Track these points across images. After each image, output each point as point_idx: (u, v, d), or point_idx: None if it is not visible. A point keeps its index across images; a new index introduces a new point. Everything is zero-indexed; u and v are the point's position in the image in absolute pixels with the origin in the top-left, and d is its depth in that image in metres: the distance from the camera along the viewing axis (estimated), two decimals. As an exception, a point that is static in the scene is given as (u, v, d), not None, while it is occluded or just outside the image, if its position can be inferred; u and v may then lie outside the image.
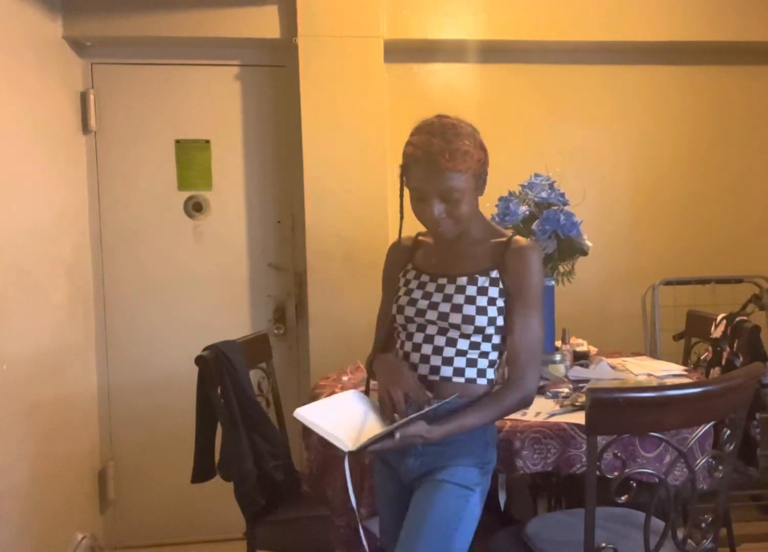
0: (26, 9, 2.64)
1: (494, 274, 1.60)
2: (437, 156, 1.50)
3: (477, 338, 1.60)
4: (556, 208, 2.28)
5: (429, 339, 1.62)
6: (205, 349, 2.21)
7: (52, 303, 2.74)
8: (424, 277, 1.68)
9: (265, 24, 3.01)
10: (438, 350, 1.61)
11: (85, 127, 3.06)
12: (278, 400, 2.57)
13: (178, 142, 3.14)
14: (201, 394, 2.20)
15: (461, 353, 1.61)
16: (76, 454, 2.90)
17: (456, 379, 1.60)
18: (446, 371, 1.60)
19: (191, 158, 3.16)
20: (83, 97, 3.05)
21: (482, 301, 1.59)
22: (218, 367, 2.16)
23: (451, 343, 1.60)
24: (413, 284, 1.69)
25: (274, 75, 3.18)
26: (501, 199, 2.33)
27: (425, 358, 1.62)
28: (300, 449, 2.86)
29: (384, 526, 1.74)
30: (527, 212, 2.29)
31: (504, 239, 1.63)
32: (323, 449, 2.02)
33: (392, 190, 3.06)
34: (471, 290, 1.60)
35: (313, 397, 2.17)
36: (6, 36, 2.48)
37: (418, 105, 3.12)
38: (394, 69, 3.15)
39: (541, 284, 1.60)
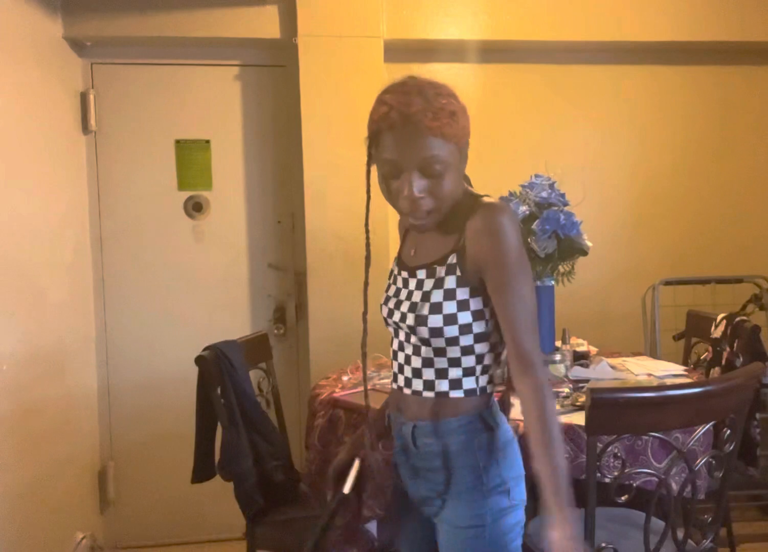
0: (26, 9, 2.64)
1: (452, 259, 1.30)
2: (418, 115, 1.20)
3: (439, 343, 1.30)
4: (556, 208, 2.28)
5: (401, 345, 1.39)
6: (205, 349, 2.21)
7: (52, 303, 2.74)
8: (395, 269, 1.46)
9: (265, 24, 3.01)
10: (408, 359, 1.37)
11: (85, 127, 3.06)
12: (278, 400, 2.57)
13: (178, 142, 3.14)
14: (201, 394, 2.20)
15: (427, 362, 1.33)
16: (76, 454, 2.90)
17: (426, 394, 1.34)
18: (417, 384, 1.35)
19: (191, 158, 3.16)
20: (83, 97, 3.05)
21: (437, 295, 1.29)
22: (218, 367, 2.16)
23: (417, 350, 1.34)
24: (391, 278, 1.47)
25: (274, 75, 3.18)
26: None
27: (400, 368, 1.39)
28: (300, 449, 2.87)
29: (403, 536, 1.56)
30: (527, 212, 2.29)
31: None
32: (323, 449, 2.02)
33: (392, 190, 3.08)
34: (428, 285, 1.32)
35: (313, 397, 2.17)
36: (6, 36, 2.48)
37: (418, 105, 3.12)
38: (394, 69, 3.14)
39: (516, 250, 1.24)
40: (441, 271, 1.31)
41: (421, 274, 1.34)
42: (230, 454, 2.13)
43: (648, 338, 3.32)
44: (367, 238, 1.50)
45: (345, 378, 2.32)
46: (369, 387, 2.15)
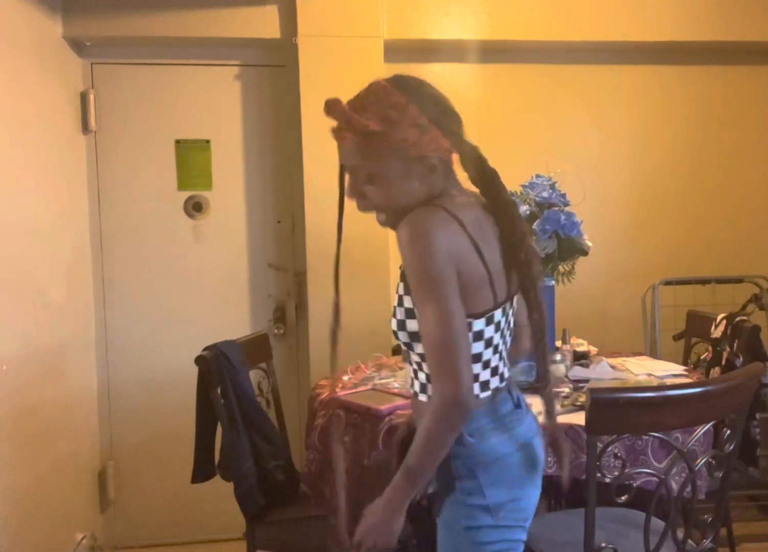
0: (26, 9, 2.64)
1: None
2: (337, 130, 1.33)
3: (405, 347, 1.37)
4: (557, 208, 2.28)
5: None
6: (205, 349, 2.21)
7: (52, 303, 2.74)
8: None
9: (265, 24, 3.01)
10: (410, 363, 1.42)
11: (85, 127, 3.06)
12: (278, 400, 2.57)
13: (178, 142, 3.14)
14: (201, 394, 2.20)
15: (414, 366, 1.39)
16: (76, 454, 2.90)
17: (420, 397, 1.39)
18: (415, 386, 1.41)
19: (191, 158, 3.16)
20: (83, 97, 3.05)
21: (396, 300, 1.35)
22: (218, 367, 2.16)
23: (406, 355, 1.40)
24: None
25: (274, 75, 3.18)
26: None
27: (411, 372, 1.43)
28: (300, 449, 2.86)
29: None
30: (528, 212, 2.29)
31: None
32: (323, 449, 2.02)
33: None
34: (401, 289, 1.34)
35: (313, 397, 2.17)
36: (6, 36, 2.48)
37: (418, 105, 3.12)
38: (394, 69, 3.10)
39: (415, 267, 1.23)
40: (402, 276, 1.34)
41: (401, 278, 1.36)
42: (230, 454, 2.13)
43: (648, 338, 3.32)
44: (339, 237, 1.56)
45: (345, 378, 2.32)
46: (369, 387, 2.16)
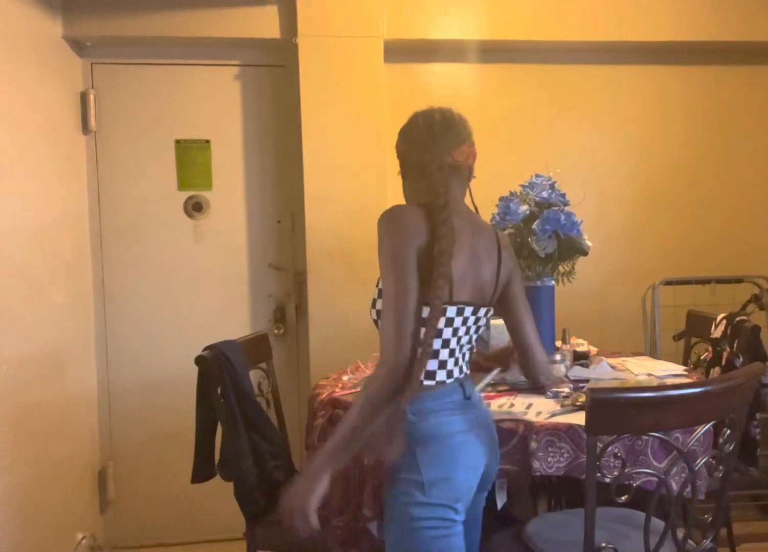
0: (26, 9, 2.64)
1: None
2: None
3: (375, 324, 1.55)
4: (556, 208, 2.28)
5: None
6: (205, 349, 2.20)
7: (52, 302, 2.74)
8: None
9: (265, 24, 3.01)
10: None
11: (85, 127, 3.06)
12: (278, 400, 2.57)
13: (178, 142, 3.14)
14: (201, 394, 2.19)
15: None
16: (76, 454, 2.90)
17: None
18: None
19: (191, 158, 3.16)
20: (83, 97, 3.05)
21: (376, 292, 1.55)
22: (218, 367, 2.16)
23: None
24: None
25: (274, 75, 3.18)
26: (501, 198, 2.33)
27: None
28: (300, 449, 2.86)
29: None
30: (527, 212, 2.29)
31: None
32: (323, 449, 2.02)
33: (392, 190, 3.08)
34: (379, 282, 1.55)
35: (313, 397, 2.17)
36: (6, 36, 2.48)
37: (417, 105, 3.09)
38: (394, 69, 3.15)
39: (382, 245, 1.46)
40: None
41: None
42: (230, 454, 2.13)
43: (648, 338, 3.32)
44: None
45: (345, 378, 2.32)
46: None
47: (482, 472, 1.54)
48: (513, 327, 1.68)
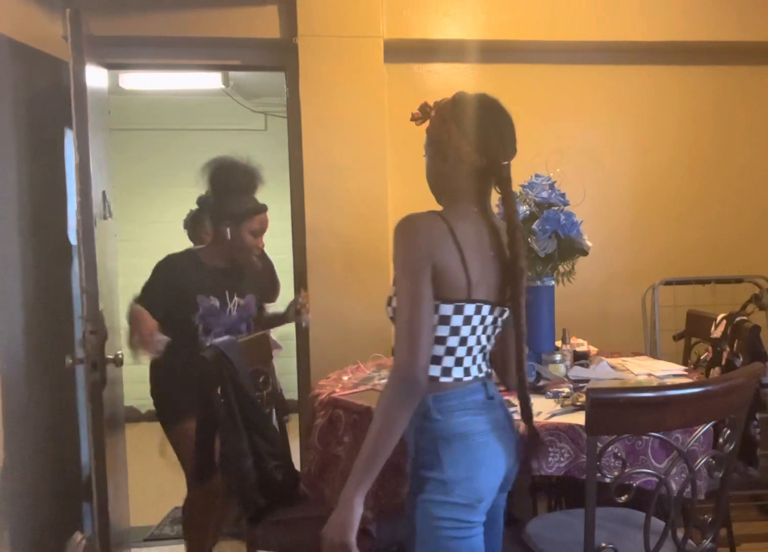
0: (26, 8, 2.64)
1: None
2: None
3: (391, 320, 1.52)
4: (556, 208, 2.28)
5: None
6: (205, 349, 2.20)
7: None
8: None
9: (265, 24, 3.01)
10: None
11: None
12: (278, 401, 2.57)
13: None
14: (201, 394, 2.19)
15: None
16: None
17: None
18: None
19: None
20: (83, 97, 3.04)
21: (392, 290, 1.54)
22: (218, 367, 2.16)
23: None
24: None
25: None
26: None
27: None
28: (300, 449, 2.86)
29: None
30: (528, 212, 2.29)
31: None
32: (323, 449, 2.02)
33: (392, 190, 3.08)
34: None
35: (313, 397, 2.17)
36: (6, 36, 2.48)
37: (417, 105, 3.11)
38: (394, 69, 3.15)
39: (399, 255, 1.45)
40: None
41: None
42: (230, 455, 2.13)
43: (648, 338, 3.32)
44: None
45: (345, 378, 2.32)
46: (369, 387, 2.16)
47: (504, 473, 1.53)
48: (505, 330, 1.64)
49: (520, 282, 1.54)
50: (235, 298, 2.57)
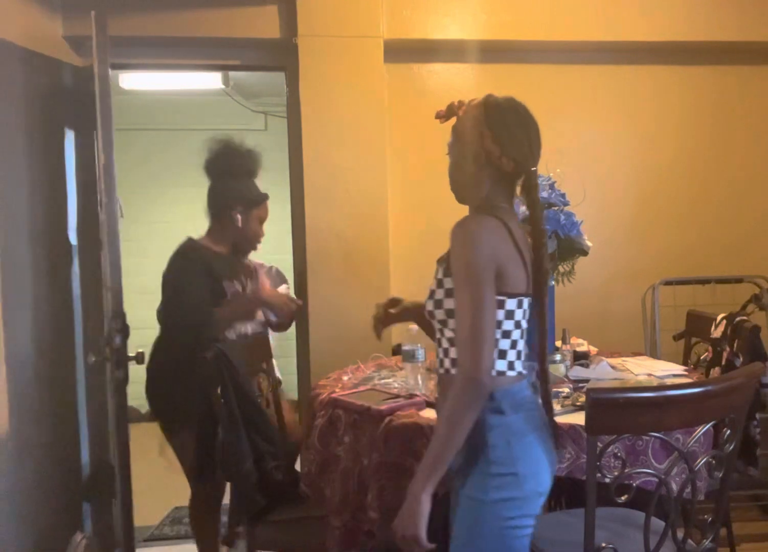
0: (26, 9, 2.64)
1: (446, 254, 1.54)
2: None
3: (440, 324, 1.54)
4: (556, 208, 2.28)
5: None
6: (206, 349, 2.21)
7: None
8: None
9: (265, 24, 3.01)
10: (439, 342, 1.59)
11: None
12: (278, 400, 2.57)
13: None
14: (201, 394, 2.20)
15: (446, 344, 1.55)
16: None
17: (453, 372, 1.52)
18: (446, 364, 1.56)
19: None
20: (83, 97, 3.04)
21: (434, 283, 1.54)
22: (218, 367, 2.16)
23: (439, 333, 1.57)
24: None
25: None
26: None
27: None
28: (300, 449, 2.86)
29: None
30: (528, 212, 2.29)
31: None
32: (322, 449, 2.02)
33: (392, 190, 3.08)
34: (439, 273, 1.54)
35: (313, 397, 2.17)
36: (6, 36, 2.48)
37: (417, 105, 3.12)
38: (394, 69, 3.14)
39: (462, 259, 1.45)
40: (443, 262, 1.52)
41: (440, 263, 1.55)
42: (230, 455, 2.13)
43: (648, 338, 3.32)
44: None
45: (345, 378, 2.32)
46: (369, 387, 2.16)
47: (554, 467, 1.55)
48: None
49: (545, 282, 1.57)
50: (249, 284, 2.58)
